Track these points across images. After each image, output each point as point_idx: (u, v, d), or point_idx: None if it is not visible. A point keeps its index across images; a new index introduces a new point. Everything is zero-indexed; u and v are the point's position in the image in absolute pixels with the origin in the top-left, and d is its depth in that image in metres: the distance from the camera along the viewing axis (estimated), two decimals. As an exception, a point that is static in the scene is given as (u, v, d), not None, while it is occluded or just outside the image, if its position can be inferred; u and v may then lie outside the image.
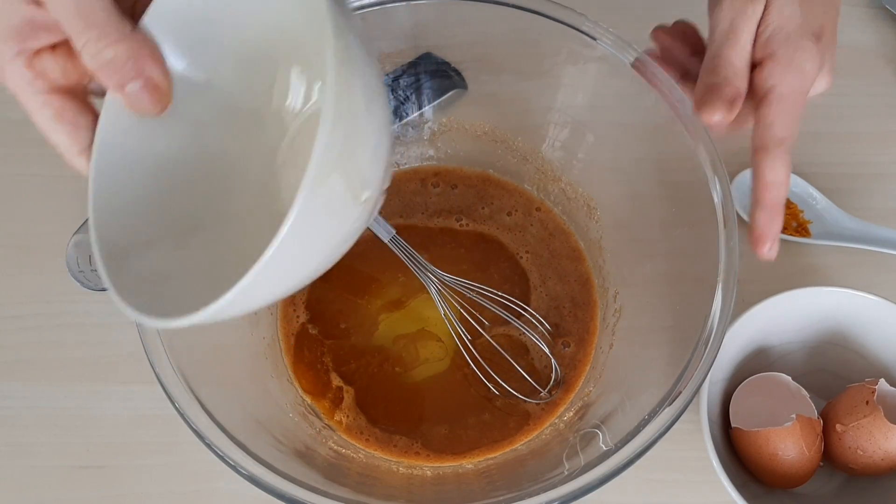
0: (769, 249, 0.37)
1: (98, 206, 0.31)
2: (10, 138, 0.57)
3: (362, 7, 0.44)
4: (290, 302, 0.50)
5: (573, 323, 0.50)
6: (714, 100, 0.37)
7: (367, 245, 0.52)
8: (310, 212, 0.25)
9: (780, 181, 0.37)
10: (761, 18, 0.37)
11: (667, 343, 0.42)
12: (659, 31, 0.43)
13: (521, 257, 0.52)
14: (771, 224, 0.37)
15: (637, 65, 0.42)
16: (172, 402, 0.36)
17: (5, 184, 0.56)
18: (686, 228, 0.44)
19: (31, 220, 0.55)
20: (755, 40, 0.37)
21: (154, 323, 0.28)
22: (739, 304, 0.41)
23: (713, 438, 0.44)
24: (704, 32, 0.42)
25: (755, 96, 0.38)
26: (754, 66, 0.38)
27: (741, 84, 0.37)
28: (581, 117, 0.50)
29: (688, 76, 0.42)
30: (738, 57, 0.37)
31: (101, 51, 0.29)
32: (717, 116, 0.37)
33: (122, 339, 0.51)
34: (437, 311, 0.48)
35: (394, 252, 0.47)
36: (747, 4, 0.37)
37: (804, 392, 0.47)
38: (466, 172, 0.55)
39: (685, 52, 0.42)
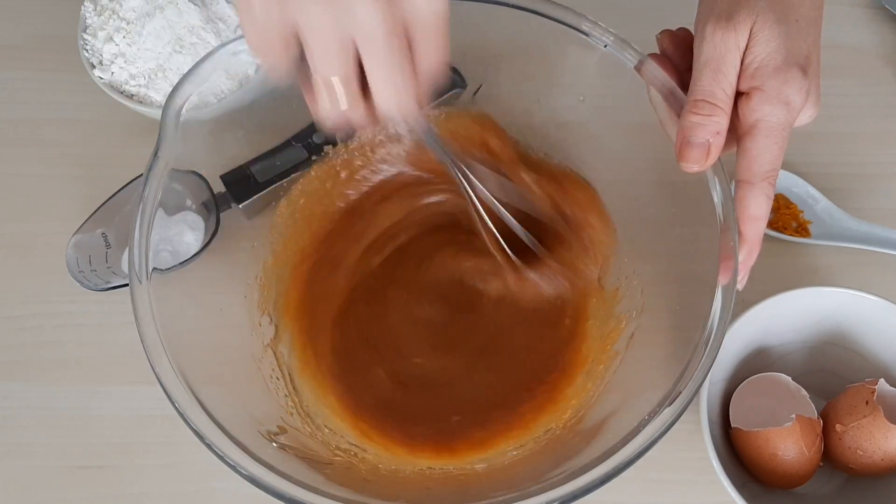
0: (742, 279, 0.39)
1: None
2: (10, 138, 0.57)
3: (362, 7, 0.44)
4: (294, 301, 0.50)
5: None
6: (692, 153, 0.38)
7: (372, 243, 0.52)
8: None
9: (763, 215, 0.38)
10: (747, 49, 0.37)
11: (667, 343, 0.42)
12: (665, 35, 0.43)
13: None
14: (749, 258, 0.39)
15: (639, 67, 0.42)
16: (172, 402, 0.36)
17: (5, 184, 0.56)
18: (686, 228, 0.44)
19: (31, 220, 0.55)
20: (741, 71, 0.38)
21: None
22: (739, 304, 0.41)
23: (713, 438, 0.44)
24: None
25: (740, 127, 0.38)
26: (740, 94, 0.38)
27: (723, 121, 0.38)
28: (581, 117, 0.50)
29: (684, 86, 0.42)
30: (722, 91, 0.37)
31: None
32: (695, 167, 0.39)
33: (122, 339, 0.51)
34: (442, 312, 0.50)
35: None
36: (731, 35, 0.37)
37: (804, 392, 0.47)
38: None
39: (685, 62, 0.42)
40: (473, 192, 0.44)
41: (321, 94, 0.32)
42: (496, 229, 0.46)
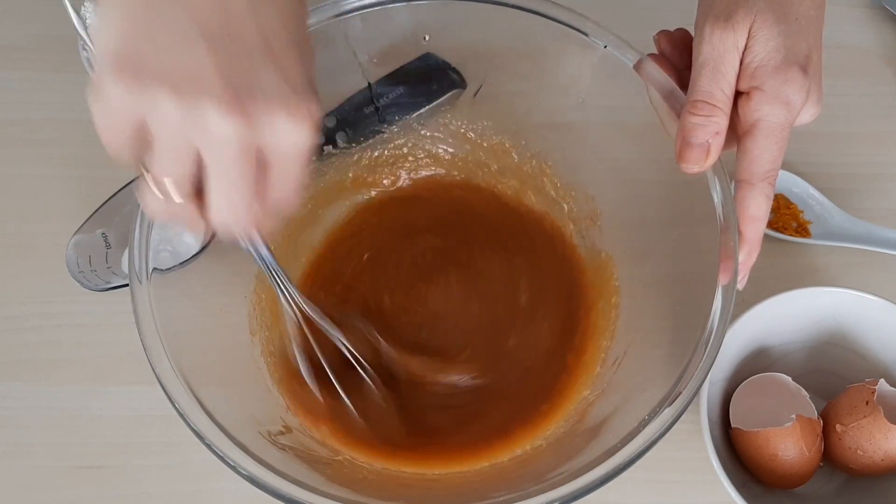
0: (741, 280, 0.39)
1: None
2: (10, 138, 0.57)
3: (362, 7, 0.44)
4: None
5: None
6: (691, 154, 0.38)
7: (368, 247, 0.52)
8: None
9: (763, 215, 0.38)
10: (746, 49, 0.37)
11: (667, 343, 0.42)
12: (661, 35, 0.43)
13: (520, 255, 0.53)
14: (749, 258, 0.39)
15: (638, 66, 0.42)
16: (172, 402, 0.36)
17: (5, 184, 0.56)
18: (686, 228, 0.44)
19: (31, 220, 0.55)
20: (741, 71, 0.38)
21: None
22: (739, 304, 0.41)
23: (713, 438, 0.44)
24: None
25: (740, 127, 0.38)
26: (740, 93, 0.38)
27: (722, 121, 0.38)
28: (581, 117, 0.50)
29: (683, 86, 0.42)
30: (721, 91, 0.37)
31: None
32: (695, 168, 0.39)
33: (122, 339, 0.51)
34: (434, 313, 0.49)
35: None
36: (729, 35, 0.37)
37: (804, 392, 0.47)
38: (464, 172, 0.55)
39: (683, 62, 0.42)
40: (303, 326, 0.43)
41: (147, 188, 0.30)
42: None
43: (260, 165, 0.29)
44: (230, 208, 0.30)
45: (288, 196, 0.31)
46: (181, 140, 0.28)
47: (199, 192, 0.30)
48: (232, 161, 0.28)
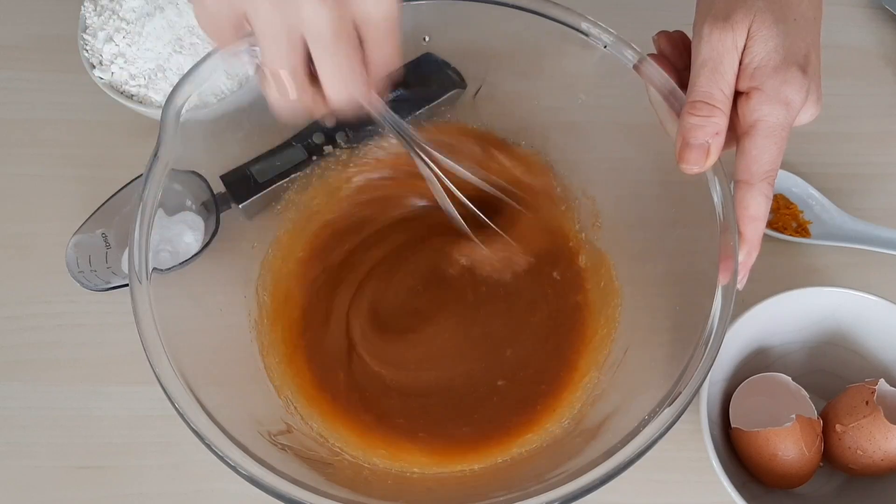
0: (741, 280, 0.39)
1: None
2: (10, 138, 0.57)
3: (362, 7, 0.44)
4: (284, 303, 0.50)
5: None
6: (691, 154, 0.38)
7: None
8: None
9: (762, 215, 0.38)
10: (745, 49, 0.37)
11: (667, 343, 0.42)
12: (661, 35, 0.43)
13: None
14: (749, 258, 0.39)
15: (638, 66, 0.42)
16: (172, 403, 0.36)
17: (5, 184, 0.56)
18: (686, 228, 0.44)
19: (31, 220, 0.55)
20: (740, 71, 0.38)
21: None
22: (739, 304, 0.41)
23: (713, 438, 0.44)
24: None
25: (740, 126, 0.38)
26: (739, 93, 0.38)
27: (722, 122, 0.38)
28: (581, 117, 0.50)
29: (683, 86, 0.42)
30: (720, 91, 0.37)
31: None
32: (695, 168, 0.39)
33: (122, 339, 0.51)
34: (435, 312, 0.50)
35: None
36: (728, 35, 0.37)
37: (804, 392, 0.47)
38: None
39: (683, 62, 0.42)
40: (432, 171, 0.46)
41: (269, 84, 0.34)
42: (457, 209, 0.48)
43: (359, 37, 0.33)
44: (342, 79, 0.33)
45: (389, 55, 0.34)
46: (281, 32, 0.31)
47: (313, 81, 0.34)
48: (331, 40, 0.32)
